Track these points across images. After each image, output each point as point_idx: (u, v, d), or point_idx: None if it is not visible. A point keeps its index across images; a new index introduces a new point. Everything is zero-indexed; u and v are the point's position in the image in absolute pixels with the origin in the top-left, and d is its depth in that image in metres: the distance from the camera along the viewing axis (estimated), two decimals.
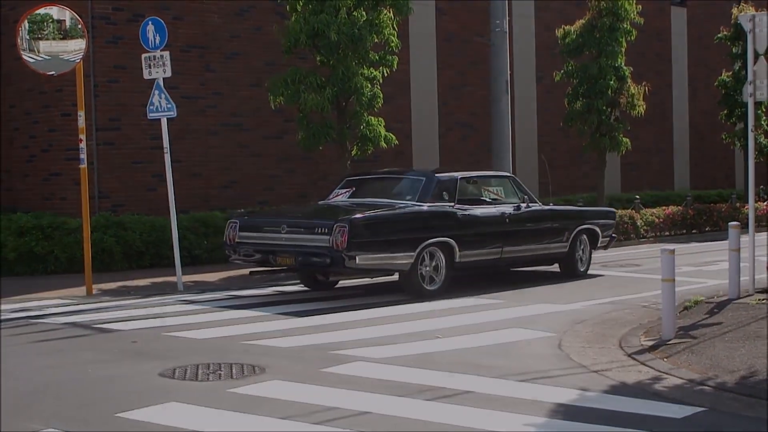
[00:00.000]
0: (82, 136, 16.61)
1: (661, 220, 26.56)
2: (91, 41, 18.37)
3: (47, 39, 16.66)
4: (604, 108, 25.34)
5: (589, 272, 18.08)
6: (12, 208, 21.15)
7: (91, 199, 17.22)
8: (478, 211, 16.30)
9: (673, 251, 11.56)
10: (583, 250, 18.00)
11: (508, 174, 18.21)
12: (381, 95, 20.32)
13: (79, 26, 16.60)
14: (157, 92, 17.07)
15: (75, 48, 16.65)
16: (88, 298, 15.63)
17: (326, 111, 19.62)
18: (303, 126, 19.93)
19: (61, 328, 12.92)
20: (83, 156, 16.66)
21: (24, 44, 16.58)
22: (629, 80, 25.51)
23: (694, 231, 27.55)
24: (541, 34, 29.22)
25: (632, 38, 25.80)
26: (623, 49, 25.47)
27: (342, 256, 14.41)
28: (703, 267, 19.00)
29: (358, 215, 14.90)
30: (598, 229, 18.22)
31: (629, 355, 10.73)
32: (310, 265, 15.18)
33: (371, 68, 20.27)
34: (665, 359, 10.42)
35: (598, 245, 18.34)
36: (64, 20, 16.71)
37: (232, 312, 14.01)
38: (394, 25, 20.35)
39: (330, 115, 20.10)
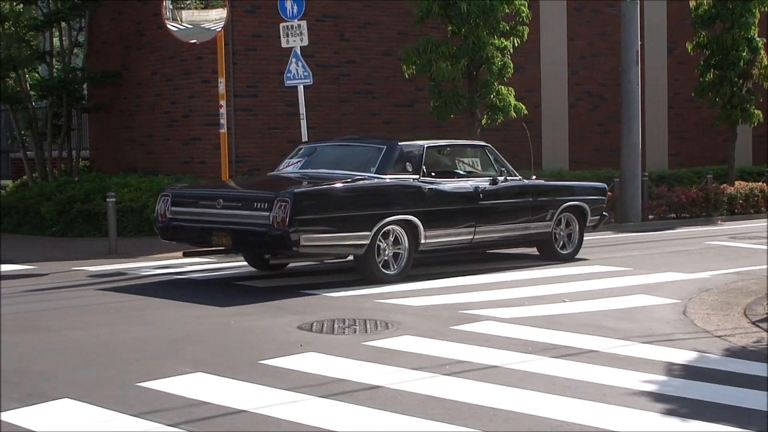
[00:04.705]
0: (222, 102, 17.23)
1: None
2: (231, 10, 18.94)
3: (190, 8, 17.29)
4: (737, 80, 25.16)
5: (578, 257, 16.28)
6: (153, 171, 21.98)
7: (228, 163, 17.81)
8: (448, 185, 14.43)
9: None
10: (569, 230, 16.18)
11: (484, 143, 16.04)
12: (511, 65, 20.63)
13: None
14: (294, 60, 17.59)
15: (216, 17, 17.25)
16: (227, 257, 16.23)
17: (458, 80, 19.99)
18: (434, 95, 20.33)
19: (202, 284, 13.60)
20: (223, 121, 17.29)
21: (167, 13, 17.24)
22: (762, 52, 25.28)
23: None
24: (673, 4, 29.05)
25: (766, 9, 25.53)
26: (757, 20, 25.23)
27: (283, 236, 12.45)
28: None
29: (304, 188, 13.08)
30: (586, 207, 16.27)
31: (753, 323, 10.86)
32: (248, 245, 13.68)
33: (502, 38, 20.57)
34: None
35: (587, 224, 16.39)
36: None
37: None
38: None
39: (461, 84, 20.46)
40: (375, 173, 13.81)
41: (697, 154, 29.46)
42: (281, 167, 15.09)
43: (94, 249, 17.36)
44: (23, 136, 24.37)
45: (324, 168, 14.39)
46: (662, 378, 8.34)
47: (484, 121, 20.93)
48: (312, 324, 10.52)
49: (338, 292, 12.68)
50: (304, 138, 17.49)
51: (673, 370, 8.65)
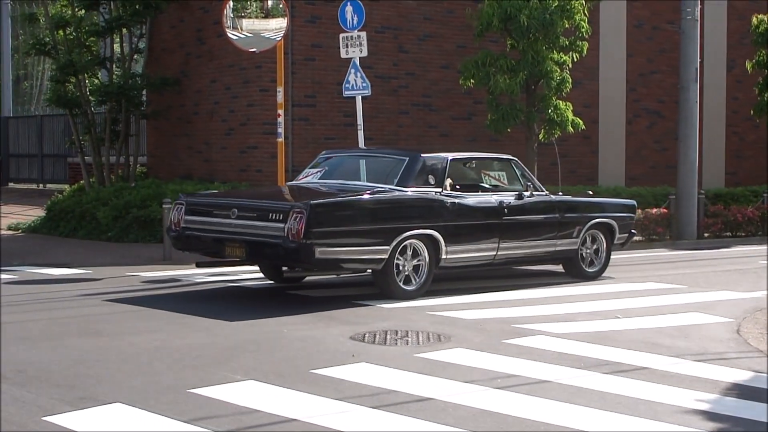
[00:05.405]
0: (281, 111, 17.31)
1: None
2: (291, 20, 18.99)
3: (250, 17, 17.38)
4: None
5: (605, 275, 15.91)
6: (210, 179, 22.13)
7: (285, 172, 17.88)
8: (471, 199, 13.94)
9: None
10: (596, 248, 15.71)
11: (510, 156, 15.36)
12: (570, 80, 20.58)
13: (281, 5, 17.28)
14: (353, 71, 17.64)
15: (276, 27, 17.33)
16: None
17: (516, 94, 19.99)
18: (492, 108, 20.33)
19: (256, 292, 13.68)
20: (281, 130, 17.36)
21: (228, 22, 17.33)
22: None
23: None
24: (733, 22, 28.87)
25: None
26: None
27: (298, 249, 12.02)
28: None
29: (321, 199, 12.69)
30: (615, 224, 15.78)
31: None
32: (262, 257, 13.23)
33: (561, 53, 20.54)
34: None
35: (615, 242, 15.90)
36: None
37: None
38: (586, 11, 20.56)
39: (519, 98, 20.45)
40: (396, 185, 13.40)
41: (754, 173, 29.22)
42: (301, 177, 14.80)
43: (149, 255, 17.50)
44: (81, 141, 24.61)
45: (344, 179, 14.06)
46: (715, 397, 8.29)
47: (541, 136, 20.90)
48: (364, 335, 10.55)
49: (391, 303, 12.69)
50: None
51: (726, 389, 8.59)
